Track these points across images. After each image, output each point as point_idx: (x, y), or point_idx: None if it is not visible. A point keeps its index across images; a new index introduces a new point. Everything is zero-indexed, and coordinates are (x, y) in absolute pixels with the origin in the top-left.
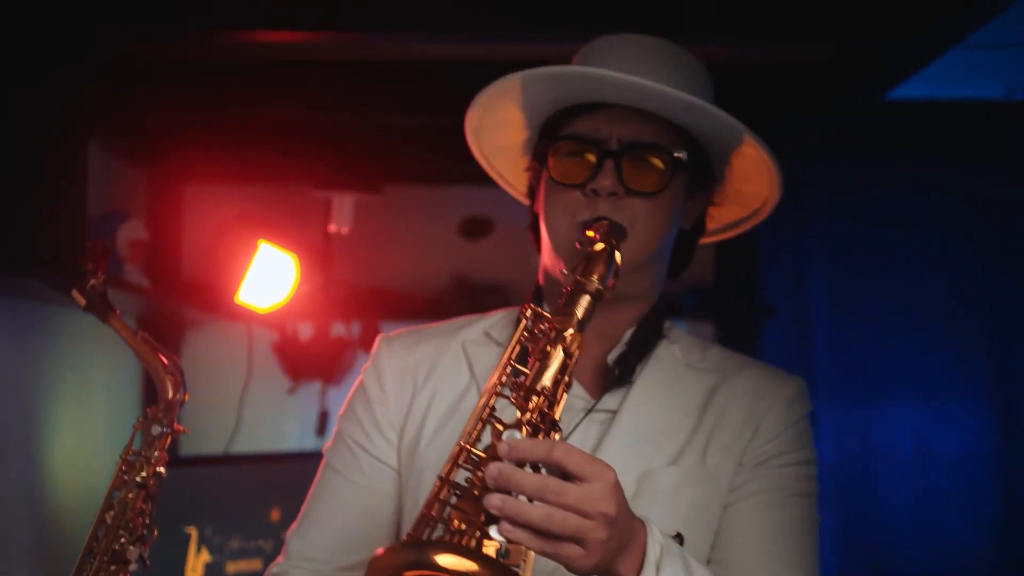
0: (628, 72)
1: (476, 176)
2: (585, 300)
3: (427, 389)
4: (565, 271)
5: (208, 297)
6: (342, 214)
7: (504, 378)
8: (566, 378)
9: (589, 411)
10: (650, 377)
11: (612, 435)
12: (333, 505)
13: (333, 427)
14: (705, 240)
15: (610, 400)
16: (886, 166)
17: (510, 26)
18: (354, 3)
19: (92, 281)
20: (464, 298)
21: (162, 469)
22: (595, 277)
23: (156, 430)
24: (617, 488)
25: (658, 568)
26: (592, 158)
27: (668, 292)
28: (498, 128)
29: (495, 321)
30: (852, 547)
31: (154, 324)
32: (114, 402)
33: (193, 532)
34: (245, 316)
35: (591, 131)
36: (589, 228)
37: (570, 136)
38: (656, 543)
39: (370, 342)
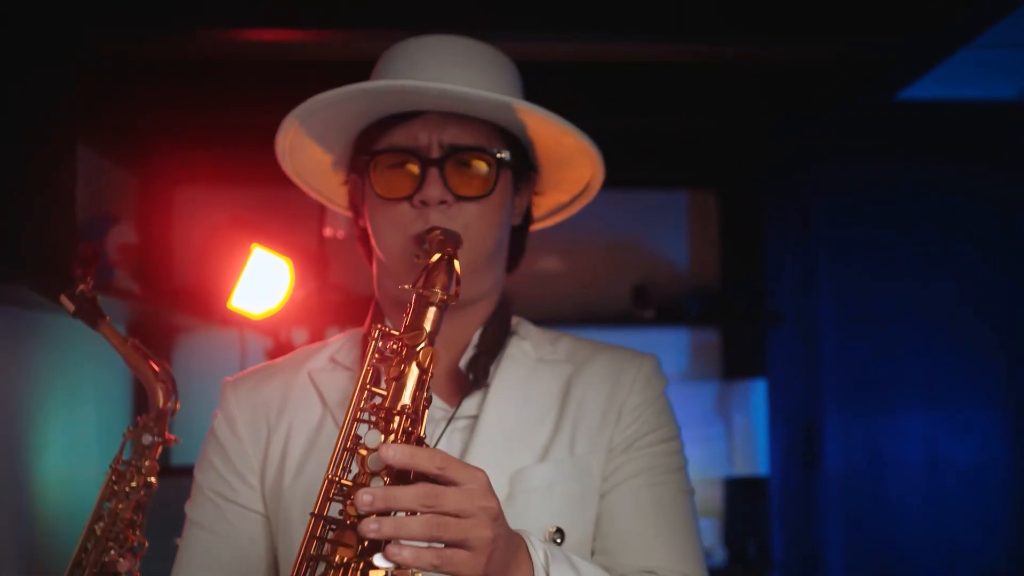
0: (434, 77)
1: None
2: (431, 312)
3: (281, 427)
4: (406, 286)
5: (200, 303)
6: (338, 217)
7: (362, 403)
8: (425, 393)
9: (450, 420)
10: (506, 376)
11: (477, 439)
12: (205, 563)
13: (192, 483)
14: (536, 227)
15: (469, 405)
16: (895, 169)
17: (509, 24)
18: (350, 1)
19: (81, 286)
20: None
21: (153, 479)
22: (438, 288)
23: (147, 439)
24: (488, 489)
25: (547, 573)
26: (415, 168)
27: (668, 296)
28: (308, 147)
29: (339, 346)
30: (860, 558)
31: (145, 330)
32: (104, 411)
33: None
34: (238, 322)
35: (410, 141)
36: (423, 240)
37: (389, 149)
38: (539, 550)
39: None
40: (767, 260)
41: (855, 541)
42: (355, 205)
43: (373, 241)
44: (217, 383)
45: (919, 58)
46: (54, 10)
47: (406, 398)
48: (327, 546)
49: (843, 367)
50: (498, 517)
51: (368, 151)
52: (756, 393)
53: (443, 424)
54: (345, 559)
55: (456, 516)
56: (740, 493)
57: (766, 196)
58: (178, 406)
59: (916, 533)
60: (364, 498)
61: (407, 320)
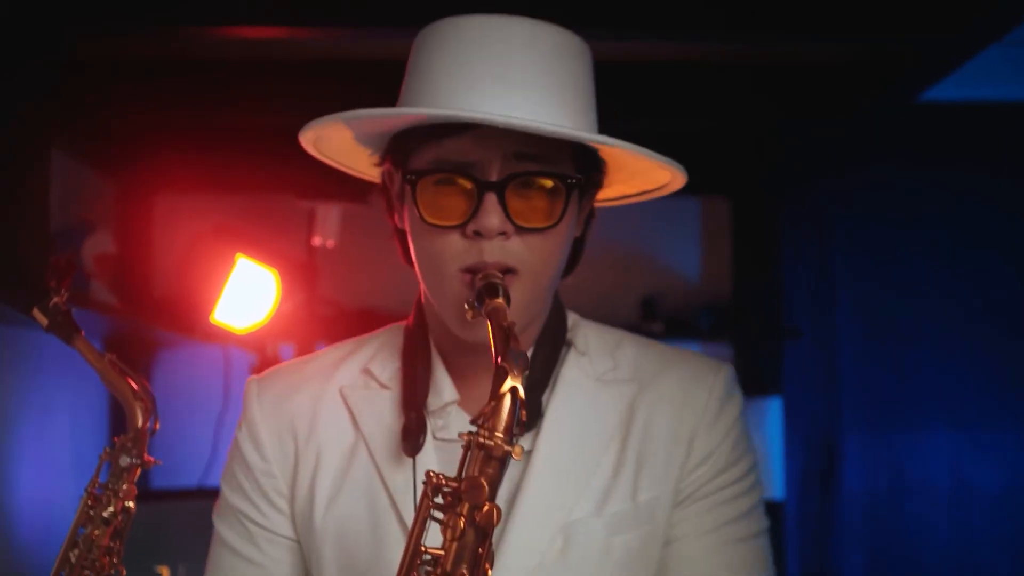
0: (495, 87)
1: None
2: (493, 465)
3: (310, 450)
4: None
5: (181, 316)
6: (327, 226)
7: (418, 561)
8: (489, 550)
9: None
10: (561, 406)
11: (529, 483)
12: None
13: (221, 491)
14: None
15: (521, 440)
16: (918, 175)
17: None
18: None
19: (55, 299)
20: None
21: (131, 503)
22: (500, 433)
23: (125, 461)
24: None
25: None
26: (468, 189)
27: (678, 309)
28: (338, 137)
29: (373, 352)
30: None
31: (123, 346)
32: (79, 431)
33: (165, 572)
34: (222, 337)
35: (463, 155)
36: (475, 272)
37: (438, 167)
38: None
39: None
40: (783, 271)
41: (876, 569)
42: (388, 195)
43: (415, 266)
44: (199, 401)
45: (944, 57)
46: (26, 7)
47: (464, 568)
48: None
49: (863, 385)
50: None
51: (413, 169)
52: (771, 412)
53: None
54: None
55: None
56: None
57: (782, 204)
58: (158, 426)
59: (941, 560)
60: None
61: (465, 466)
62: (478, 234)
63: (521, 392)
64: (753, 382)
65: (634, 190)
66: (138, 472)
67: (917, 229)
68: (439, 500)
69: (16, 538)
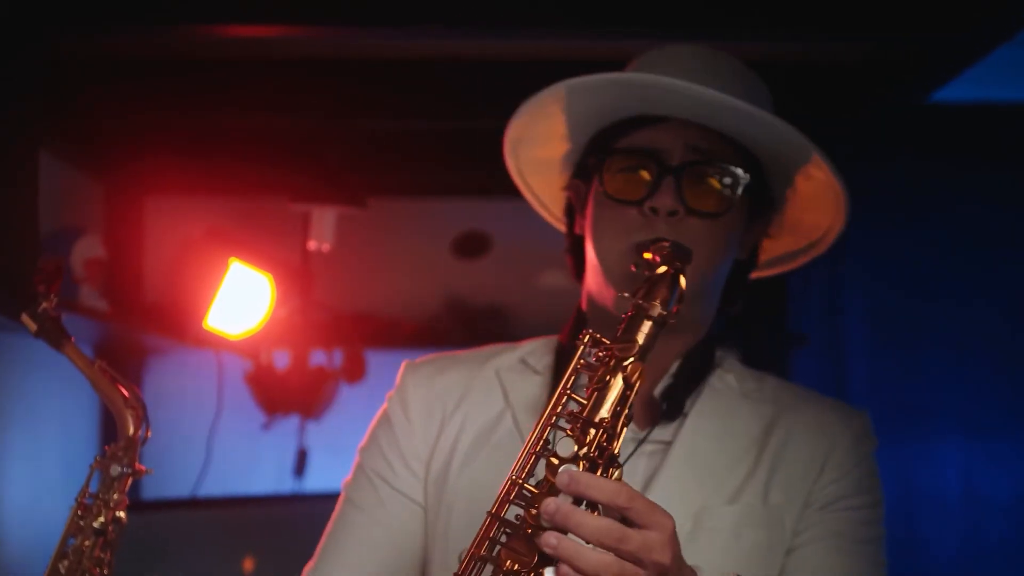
0: (698, 83)
1: (472, 188)
2: (647, 326)
3: (456, 417)
4: (625, 295)
5: (173, 322)
6: (322, 230)
7: (560, 408)
8: (627, 410)
9: (641, 442)
10: (705, 407)
11: (666, 468)
12: (353, 543)
13: (354, 461)
14: (757, 274)
15: (661, 432)
16: (930, 176)
17: (511, 21)
18: None
19: (44, 304)
20: (459, 324)
21: (122, 514)
22: (658, 301)
23: (115, 470)
24: (674, 538)
25: None
26: (650, 174)
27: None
28: (539, 141)
29: (531, 349)
30: None
31: (113, 352)
32: (68, 439)
33: None
34: (214, 343)
35: (650, 144)
36: (647, 250)
37: (628, 150)
38: None
39: (353, 372)
40: (790, 277)
41: None
42: (570, 212)
43: (589, 244)
44: (192, 409)
45: (955, 56)
46: (10, 3)
47: (605, 411)
48: (499, 549)
49: (873, 392)
50: (667, 571)
51: (605, 148)
52: None
53: (631, 446)
54: (515, 567)
55: (632, 561)
56: None
57: None
58: (149, 434)
59: (951, 573)
60: (549, 506)
61: (620, 330)
62: (654, 211)
63: (681, 279)
64: None
65: (801, 241)
66: (129, 482)
67: (927, 231)
68: (591, 360)
69: (4, 549)
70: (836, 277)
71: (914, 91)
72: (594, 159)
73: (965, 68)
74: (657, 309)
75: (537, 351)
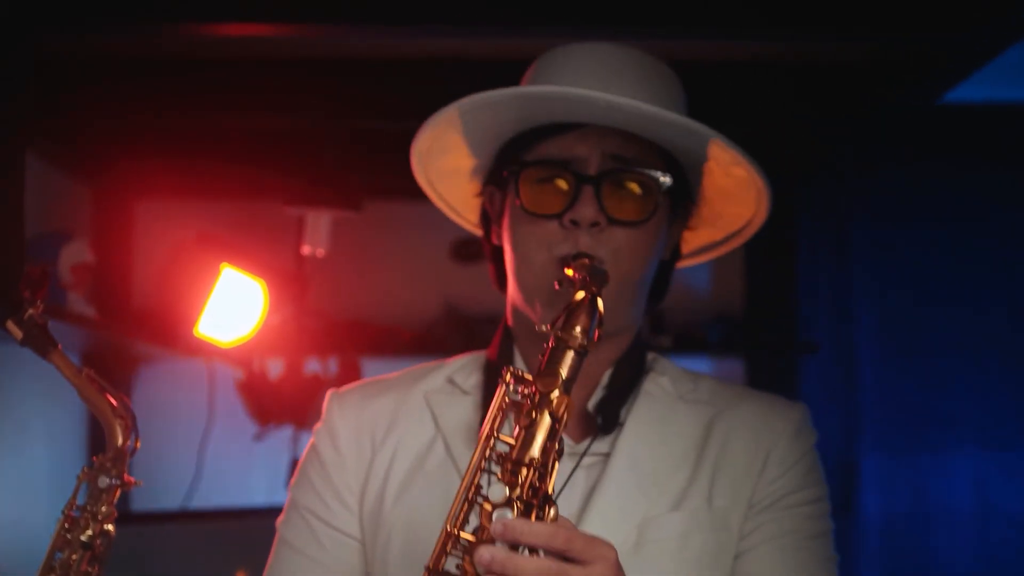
0: (600, 88)
1: None
2: (569, 357)
3: (387, 446)
4: (544, 327)
5: (163, 329)
6: (317, 234)
7: (488, 452)
8: (556, 446)
9: (580, 457)
10: (641, 414)
11: (607, 480)
12: None
13: (287, 498)
14: (681, 264)
15: (599, 444)
16: (944, 180)
17: (508, 19)
18: None
19: (30, 311)
20: (457, 330)
21: (110, 527)
22: (578, 331)
23: (104, 482)
24: (618, 566)
25: None
26: (567, 185)
27: (687, 322)
28: (447, 151)
29: (459, 367)
30: None
31: (101, 360)
32: (55, 450)
33: None
34: (206, 351)
35: (565, 154)
36: (569, 266)
37: (542, 161)
38: None
39: (348, 381)
40: (798, 282)
41: None
42: (487, 220)
43: (509, 259)
44: (182, 419)
45: (968, 54)
46: None
47: (535, 450)
48: None
49: (884, 402)
50: None
51: (518, 161)
52: None
53: (570, 462)
54: None
55: None
56: None
57: (797, 210)
58: (139, 445)
59: None
60: (483, 556)
61: (542, 363)
62: (574, 223)
63: (599, 302)
64: None
65: (721, 232)
66: (118, 493)
67: (942, 236)
68: (516, 397)
69: None
70: (846, 283)
71: (925, 92)
72: (507, 170)
73: (981, 67)
74: (578, 340)
75: (465, 369)
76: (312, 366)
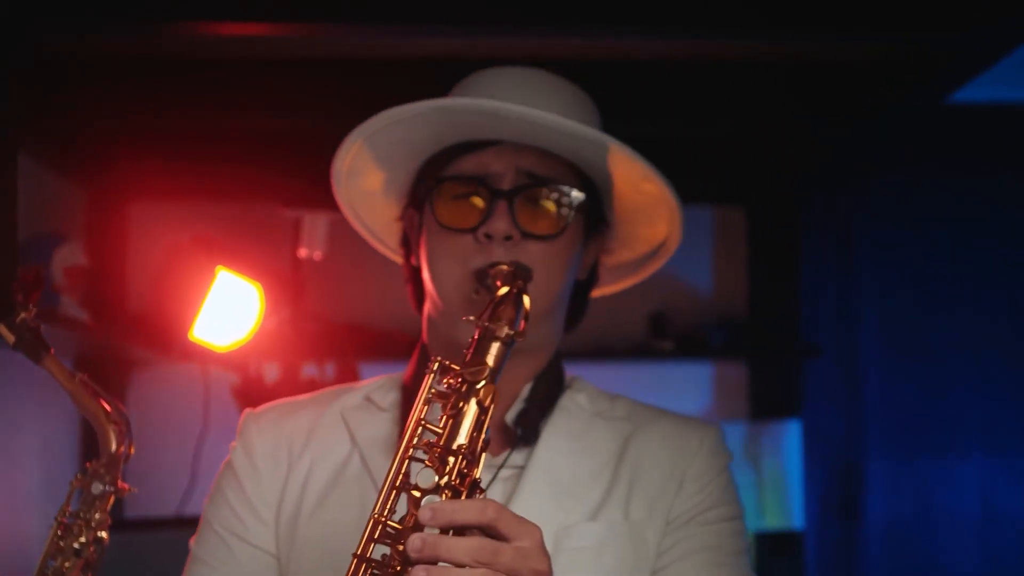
0: (518, 103)
1: None
2: (495, 347)
3: (304, 460)
4: (470, 318)
5: (158, 333)
6: (314, 237)
7: (415, 439)
8: (483, 435)
9: (500, 467)
10: (558, 427)
11: (523, 490)
12: None
13: (200, 518)
14: (599, 292)
15: (516, 457)
16: (949, 182)
17: (507, 19)
18: None
19: (23, 315)
20: None
21: (104, 534)
22: (504, 321)
23: (97, 488)
24: (543, 547)
25: None
26: (482, 200)
27: (689, 326)
28: (365, 172)
29: (376, 387)
30: None
31: (95, 365)
32: (48, 456)
33: None
34: (201, 356)
35: (481, 169)
36: (483, 276)
37: (457, 176)
38: None
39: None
40: (802, 285)
41: None
42: (407, 244)
43: (426, 274)
44: (177, 424)
45: (975, 54)
46: None
47: (462, 437)
48: None
49: (889, 406)
50: (548, 574)
51: (434, 176)
52: (789, 436)
53: (487, 474)
54: None
55: (508, 574)
56: (771, 549)
57: (801, 212)
58: (133, 451)
59: None
60: (414, 543)
61: (469, 354)
62: (488, 237)
63: (525, 299)
64: (770, 404)
65: (635, 253)
66: (111, 500)
67: (948, 239)
68: (442, 388)
69: None
70: (849, 286)
71: (935, 91)
72: (424, 188)
73: (989, 67)
74: (504, 329)
75: (382, 388)
76: (309, 371)
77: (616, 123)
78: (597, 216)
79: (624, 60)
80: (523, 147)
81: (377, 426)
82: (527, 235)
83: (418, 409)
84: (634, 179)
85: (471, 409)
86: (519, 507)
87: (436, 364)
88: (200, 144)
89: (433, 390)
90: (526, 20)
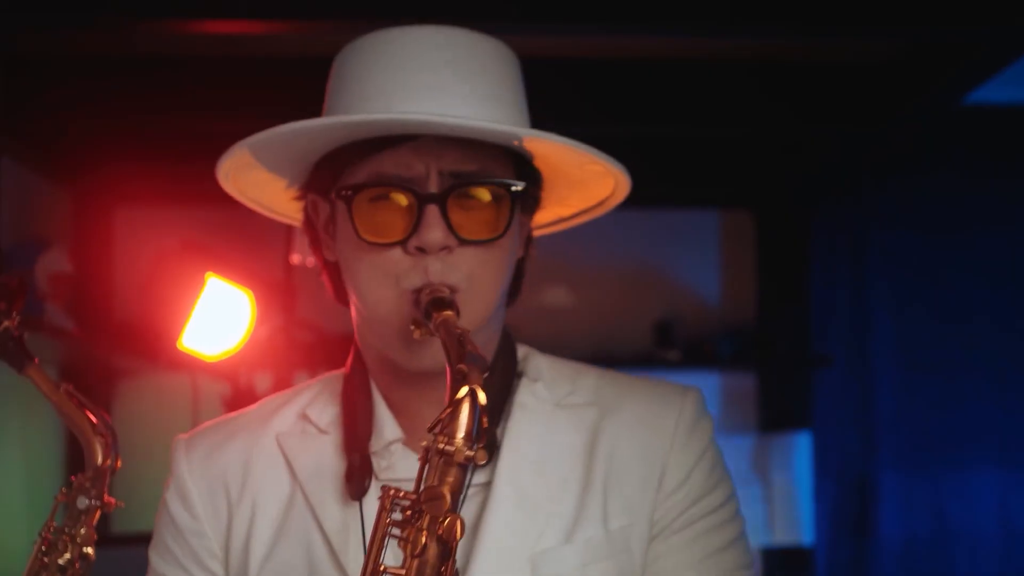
0: (426, 92)
1: None
2: (455, 472)
3: (244, 504)
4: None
5: (145, 342)
6: (306, 242)
7: None
8: (451, 571)
9: (467, 488)
10: (518, 432)
11: (491, 513)
12: None
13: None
14: (539, 232)
15: (479, 473)
16: (965, 187)
17: (502, 14)
18: None
19: (6, 323)
20: None
21: (90, 550)
22: (459, 440)
23: (83, 503)
24: None
25: None
26: (408, 203)
27: (696, 335)
28: (254, 167)
29: (311, 398)
30: None
31: (80, 375)
32: (32, 469)
33: None
34: (190, 365)
35: (401, 170)
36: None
37: (376, 182)
38: None
39: None
40: (812, 293)
41: None
42: (313, 228)
43: (351, 289)
44: (165, 436)
45: (991, 54)
46: None
47: None
48: None
49: (902, 418)
50: None
51: (347, 184)
52: (799, 448)
53: None
54: None
55: None
56: (781, 565)
57: (811, 218)
58: (119, 464)
59: None
60: None
61: (423, 478)
62: (420, 250)
63: (480, 395)
64: (780, 415)
65: (571, 210)
66: (97, 515)
67: (962, 246)
68: (397, 516)
69: None
70: (862, 296)
71: (949, 92)
72: (335, 194)
73: (1007, 65)
74: (463, 453)
75: (319, 401)
76: (302, 381)
77: (623, 124)
78: (534, 186)
79: (632, 59)
80: (444, 139)
81: (316, 455)
82: (465, 242)
83: (373, 552)
84: (578, 161)
85: (434, 550)
86: (489, 534)
87: (389, 499)
88: (189, 146)
89: (389, 520)
90: (529, 18)
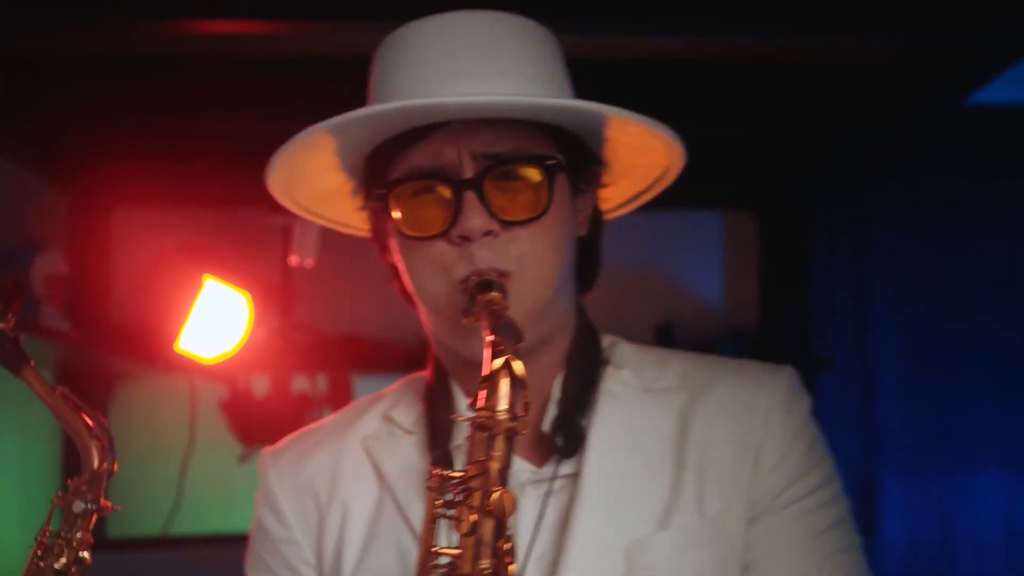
0: (457, 78)
1: None
2: (499, 444)
3: (335, 509)
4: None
5: (142, 344)
6: (305, 244)
7: (432, 565)
8: (507, 544)
9: (552, 480)
10: (606, 421)
11: (580, 506)
12: None
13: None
14: (611, 215)
15: (565, 465)
16: (968, 187)
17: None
18: None
19: (1, 325)
20: None
21: (86, 554)
22: (501, 409)
23: (79, 507)
24: None
25: None
26: (447, 194)
27: (698, 337)
28: (307, 179)
29: (395, 399)
30: None
31: (77, 377)
32: (28, 472)
33: None
34: (187, 368)
35: (434, 159)
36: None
37: (409, 175)
38: None
39: (338, 399)
40: (814, 294)
41: None
42: (379, 236)
43: (411, 288)
44: (162, 439)
45: (995, 52)
46: None
47: (484, 562)
48: None
49: (904, 420)
50: None
51: (383, 181)
52: None
53: (529, 488)
54: None
55: None
56: None
57: (814, 219)
58: (116, 467)
59: None
60: None
61: (467, 455)
62: (464, 239)
63: (516, 365)
64: None
65: (641, 184)
66: (94, 519)
67: (963, 246)
68: (448, 497)
69: None
70: (865, 297)
71: (952, 92)
72: (376, 194)
73: (1010, 65)
74: (503, 424)
75: (404, 401)
76: (300, 383)
77: None
78: (583, 162)
79: (632, 59)
80: (475, 121)
81: (403, 455)
82: (508, 224)
83: (427, 533)
84: (616, 123)
85: (487, 526)
86: (580, 527)
87: (434, 479)
88: (186, 147)
89: (440, 501)
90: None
